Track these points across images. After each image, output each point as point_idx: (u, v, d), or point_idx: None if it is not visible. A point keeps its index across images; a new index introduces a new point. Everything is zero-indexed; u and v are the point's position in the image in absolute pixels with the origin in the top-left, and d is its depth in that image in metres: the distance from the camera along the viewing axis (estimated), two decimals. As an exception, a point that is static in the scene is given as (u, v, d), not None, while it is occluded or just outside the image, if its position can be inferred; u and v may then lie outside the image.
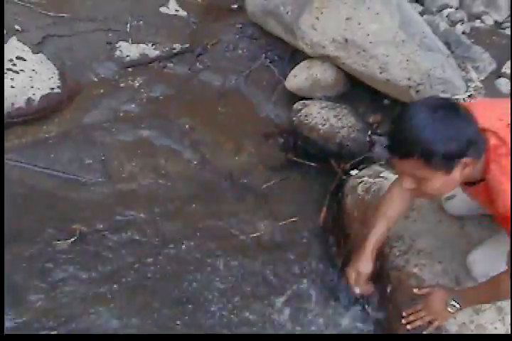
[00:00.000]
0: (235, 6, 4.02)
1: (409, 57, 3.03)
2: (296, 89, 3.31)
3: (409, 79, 3.04)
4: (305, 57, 3.30)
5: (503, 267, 2.26)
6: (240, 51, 3.68)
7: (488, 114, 1.98)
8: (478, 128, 1.84)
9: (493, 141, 1.93)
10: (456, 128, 1.79)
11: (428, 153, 1.79)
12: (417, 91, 3.07)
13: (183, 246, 2.80)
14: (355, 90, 3.30)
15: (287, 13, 3.32)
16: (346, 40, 3.04)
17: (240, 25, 3.81)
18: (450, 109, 1.83)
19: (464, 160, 1.83)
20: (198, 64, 3.64)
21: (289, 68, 3.38)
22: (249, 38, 3.72)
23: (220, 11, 4.06)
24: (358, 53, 3.05)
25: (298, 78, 3.29)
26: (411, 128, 1.78)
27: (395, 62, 3.03)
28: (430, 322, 2.38)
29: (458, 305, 2.25)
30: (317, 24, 3.11)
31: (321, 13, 3.11)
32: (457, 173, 1.87)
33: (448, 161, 1.82)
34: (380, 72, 3.05)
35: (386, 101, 3.26)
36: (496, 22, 3.86)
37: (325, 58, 3.19)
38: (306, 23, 3.16)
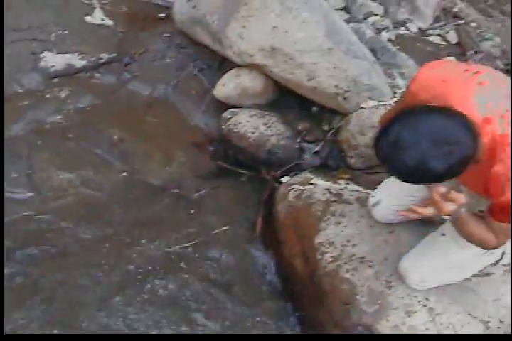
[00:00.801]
0: (163, 15, 3.98)
1: (335, 65, 3.07)
2: (225, 97, 3.31)
3: (336, 86, 3.08)
4: (233, 65, 3.30)
5: (438, 272, 2.33)
6: (168, 60, 3.64)
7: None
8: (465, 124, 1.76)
9: (486, 126, 1.86)
10: (450, 144, 1.72)
11: (430, 176, 1.76)
12: (345, 98, 3.11)
13: (115, 260, 2.76)
14: (284, 98, 3.32)
15: (214, 22, 3.31)
16: (273, 49, 3.05)
17: (168, 34, 3.77)
18: (445, 127, 1.75)
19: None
20: (125, 74, 3.59)
21: (218, 77, 3.37)
22: (178, 47, 3.69)
23: (148, 19, 4.02)
24: (286, 61, 3.07)
25: (226, 87, 3.28)
26: (400, 152, 1.73)
27: (322, 69, 3.06)
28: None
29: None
30: (244, 33, 3.11)
31: (248, 21, 3.11)
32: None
33: (451, 175, 1.78)
34: (308, 80, 3.08)
35: (314, 109, 3.29)
36: (419, 29, 3.96)
37: (253, 67, 3.19)
38: (233, 32, 3.16)
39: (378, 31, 3.81)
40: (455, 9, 4.21)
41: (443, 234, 2.37)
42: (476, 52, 3.82)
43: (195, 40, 3.58)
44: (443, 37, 3.97)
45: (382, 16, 3.95)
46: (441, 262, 2.36)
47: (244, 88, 3.25)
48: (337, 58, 3.08)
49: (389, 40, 3.75)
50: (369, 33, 3.66)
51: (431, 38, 3.88)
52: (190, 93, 3.50)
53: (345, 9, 4.00)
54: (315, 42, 3.06)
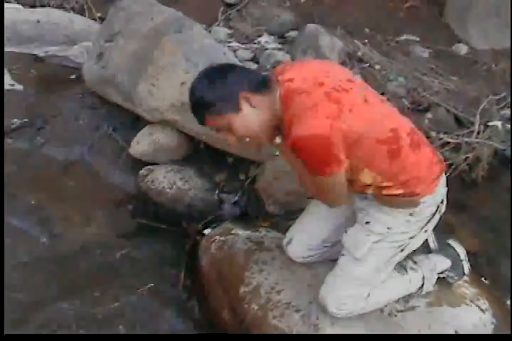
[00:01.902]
0: (73, 76, 4.01)
1: (246, 116, 3.14)
2: (140, 155, 3.34)
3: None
4: (146, 123, 3.34)
5: (350, 292, 2.44)
6: (81, 121, 3.65)
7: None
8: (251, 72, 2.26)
9: (294, 83, 2.22)
10: (221, 77, 2.16)
11: (207, 105, 2.17)
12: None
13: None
14: (199, 151, 3.37)
15: (124, 81, 3.36)
16: (183, 104, 3.10)
17: (80, 96, 3.79)
18: (216, 69, 2.23)
19: (241, 94, 2.15)
20: (39, 138, 3.57)
21: (132, 135, 3.40)
22: (90, 108, 3.70)
23: (58, 82, 4.04)
24: (196, 116, 3.12)
25: (141, 144, 3.32)
26: (191, 97, 2.23)
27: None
28: None
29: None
30: (153, 90, 3.17)
31: (157, 79, 3.18)
32: (247, 107, 2.17)
33: (223, 104, 2.16)
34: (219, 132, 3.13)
35: (230, 159, 3.34)
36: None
37: (165, 123, 3.24)
38: (142, 90, 3.21)
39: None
40: (359, 53, 4.40)
41: (342, 254, 2.48)
42: (382, 93, 3.98)
43: (107, 100, 3.61)
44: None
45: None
46: (348, 281, 2.46)
47: (159, 145, 3.28)
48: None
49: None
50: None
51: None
52: (105, 153, 3.51)
53: (253, 59, 4.12)
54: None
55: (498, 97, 4.36)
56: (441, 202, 2.44)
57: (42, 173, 3.43)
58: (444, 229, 3.40)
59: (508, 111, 4.32)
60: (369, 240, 2.40)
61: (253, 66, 4.01)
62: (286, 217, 3.15)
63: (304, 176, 2.31)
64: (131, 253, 3.08)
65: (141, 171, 3.30)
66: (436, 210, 2.43)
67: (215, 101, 2.16)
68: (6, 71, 3.93)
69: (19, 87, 3.89)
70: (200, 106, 2.21)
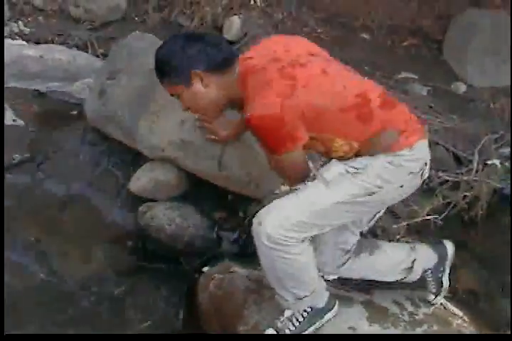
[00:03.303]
0: (74, 112, 4.03)
1: (245, 153, 3.15)
2: (140, 191, 3.34)
3: (248, 174, 3.16)
4: (147, 159, 3.35)
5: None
6: (81, 157, 3.65)
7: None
8: (212, 46, 2.28)
9: (251, 61, 2.31)
10: (184, 48, 2.24)
11: (162, 72, 2.32)
12: (257, 185, 3.19)
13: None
14: (199, 188, 3.36)
15: (125, 118, 3.38)
16: (183, 141, 3.13)
17: (81, 131, 3.80)
18: (186, 36, 2.30)
19: (193, 72, 2.24)
20: (39, 173, 3.57)
21: (132, 171, 3.40)
22: (91, 144, 3.71)
23: (60, 117, 4.06)
24: (196, 153, 3.14)
25: (141, 181, 3.32)
26: (155, 57, 2.33)
27: (233, 158, 3.14)
28: None
29: None
30: (154, 127, 3.19)
31: (157, 116, 3.20)
32: (198, 85, 2.28)
33: (176, 75, 2.28)
34: (220, 170, 3.15)
35: (230, 197, 3.35)
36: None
37: (165, 160, 3.25)
38: (143, 127, 3.23)
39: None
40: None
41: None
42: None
43: (108, 136, 3.62)
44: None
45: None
46: (300, 202, 2.36)
47: (159, 181, 3.29)
48: (247, 146, 3.17)
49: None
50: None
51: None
52: (105, 189, 3.50)
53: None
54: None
55: (496, 136, 4.39)
56: (425, 165, 2.41)
57: (42, 209, 3.42)
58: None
59: (506, 150, 4.36)
60: (343, 167, 2.34)
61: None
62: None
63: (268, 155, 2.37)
64: (130, 290, 3.08)
65: (140, 208, 3.30)
66: (419, 172, 2.38)
67: (169, 72, 2.30)
68: (7, 106, 3.94)
69: (20, 122, 3.90)
70: (158, 70, 2.35)
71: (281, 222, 2.31)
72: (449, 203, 3.73)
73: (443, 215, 3.66)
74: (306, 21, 5.39)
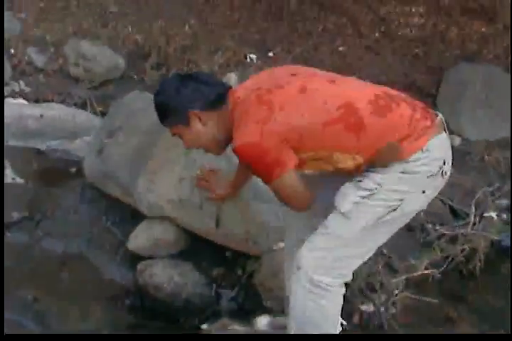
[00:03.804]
0: (74, 170, 4.07)
1: (243, 210, 3.18)
2: (138, 249, 3.35)
3: (246, 231, 3.18)
4: (145, 217, 3.37)
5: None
6: (80, 215, 3.67)
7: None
8: (210, 87, 2.35)
9: (237, 94, 2.35)
10: (179, 89, 2.32)
11: (162, 114, 2.40)
12: (255, 242, 3.20)
13: None
14: (197, 246, 3.37)
15: (124, 176, 3.42)
16: (181, 200, 3.16)
17: (80, 189, 3.84)
18: (179, 78, 2.39)
19: (190, 112, 2.31)
20: (38, 231, 3.58)
21: (131, 229, 3.42)
22: (90, 201, 3.74)
23: (59, 175, 4.10)
24: (194, 211, 3.17)
25: (139, 239, 3.34)
26: (154, 100, 2.41)
27: (230, 216, 3.17)
28: None
29: None
30: (152, 186, 3.23)
31: (156, 175, 3.24)
32: (198, 125, 2.35)
33: (175, 117, 2.36)
34: (217, 228, 3.17)
35: (228, 254, 3.35)
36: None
37: (164, 218, 3.28)
38: (142, 186, 3.27)
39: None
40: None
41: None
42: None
43: (107, 194, 3.66)
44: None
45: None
46: (331, 239, 2.37)
47: (157, 239, 3.31)
48: (244, 204, 3.20)
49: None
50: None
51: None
52: (104, 247, 3.51)
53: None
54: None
55: (492, 188, 4.43)
56: (444, 164, 2.33)
57: (40, 267, 3.42)
58: (443, 322, 3.41)
59: (503, 201, 4.39)
60: (356, 194, 2.30)
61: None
62: (284, 312, 3.13)
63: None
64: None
65: (138, 266, 3.30)
66: (439, 171, 2.31)
67: (168, 114, 2.38)
68: (7, 165, 3.99)
69: (20, 180, 3.94)
70: (157, 112, 2.42)
71: (319, 263, 2.34)
72: (447, 257, 3.72)
73: (441, 269, 3.64)
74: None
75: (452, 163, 2.40)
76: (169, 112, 2.37)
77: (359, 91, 2.34)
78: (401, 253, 3.63)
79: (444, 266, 3.68)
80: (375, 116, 2.24)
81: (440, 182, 2.38)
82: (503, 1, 6.68)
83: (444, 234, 3.87)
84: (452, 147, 2.47)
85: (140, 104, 3.67)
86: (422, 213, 3.92)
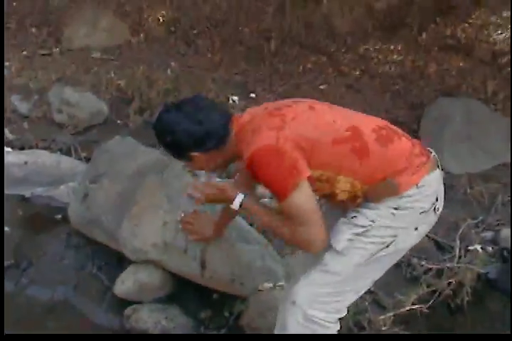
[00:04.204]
0: (59, 216, 4.07)
1: (228, 252, 3.19)
2: (125, 294, 3.34)
3: (231, 273, 3.18)
4: (131, 262, 3.37)
5: None
6: (66, 261, 3.67)
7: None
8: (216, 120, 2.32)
9: (242, 118, 2.37)
10: (182, 129, 2.29)
11: (164, 147, 2.42)
12: (241, 284, 3.21)
13: None
14: (184, 289, 3.37)
15: (109, 221, 3.43)
16: (165, 244, 3.17)
17: (65, 235, 3.83)
18: (181, 115, 2.31)
19: (192, 154, 2.34)
20: (23, 279, 3.57)
21: (117, 274, 3.41)
22: (75, 247, 3.74)
23: (44, 222, 4.10)
24: (179, 255, 3.18)
25: (125, 284, 3.33)
26: (156, 130, 2.40)
27: (215, 258, 3.18)
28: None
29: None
30: (137, 230, 3.24)
31: (140, 219, 3.26)
32: (202, 158, 2.36)
33: (177, 156, 2.44)
34: (203, 270, 3.17)
35: (215, 296, 3.35)
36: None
37: (149, 262, 3.28)
38: (126, 230, 3.28)
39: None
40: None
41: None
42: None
43: (92, 239, 3.66)
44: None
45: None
46: (328, 276, 2.39)
47: (143, 284, 3.30)
48: (229, 245, 3.21)
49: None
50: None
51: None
52: (90, 292, 3.50)
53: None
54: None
55: (476, 221, 4.46)
56: (437, 200, 2.35)
57: (25, 315, 3.38)
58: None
59: (487, 234, 4.42)
60: (350, 232, 2.30)
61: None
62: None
63: (278, 229, 2.33)
64: None
65: (125, 311, 3.29)
66: (431, 208, 2.33)
67: (171, 154, 2.46)
68: (-8, 212, 3.99)
69: (5, 228, 3.94)
70: (160, 143, 2.44)
71: (314, 298, 2.34)
72: (434, 291, 3.73)
73: (429, 304, 3.65)
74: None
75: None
76: (172, 153, 2.44)
77: (364, 118, 2.41)
78: (388, 289, 3.64)
79: (432, 301, 3.68)
80: (378, 144, 2.27)
81: (432, 218, 2.41)
82: (478, 36, 6.87)
83: (430, 269, 3.89)
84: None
85: (122, 149, 3.72)
86: (407, 248, 3.95)
